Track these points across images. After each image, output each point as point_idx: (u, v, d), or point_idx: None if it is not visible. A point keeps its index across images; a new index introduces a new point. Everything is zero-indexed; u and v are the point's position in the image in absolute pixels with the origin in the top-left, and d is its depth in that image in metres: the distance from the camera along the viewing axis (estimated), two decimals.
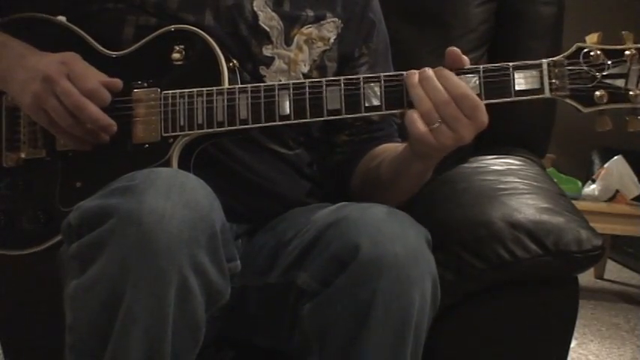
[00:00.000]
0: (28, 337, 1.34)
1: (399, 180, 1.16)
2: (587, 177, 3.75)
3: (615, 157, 3.56)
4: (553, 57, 1.04)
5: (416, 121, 1.02)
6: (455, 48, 1.06)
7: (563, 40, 1.64)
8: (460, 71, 1.04)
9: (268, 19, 1.21)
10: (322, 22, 1.25)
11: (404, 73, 1.06)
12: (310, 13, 1.24)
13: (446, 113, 1.01)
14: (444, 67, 1.05)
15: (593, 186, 3.52)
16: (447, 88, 1.02)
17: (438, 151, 1.04)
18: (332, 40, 1.26)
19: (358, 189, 1.27)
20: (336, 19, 1.27)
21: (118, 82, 1.11)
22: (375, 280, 0.95)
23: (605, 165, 3.58)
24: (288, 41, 1.22)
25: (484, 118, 1.02)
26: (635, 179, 3.50)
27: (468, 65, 1.05)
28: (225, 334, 1.14)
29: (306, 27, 1.24)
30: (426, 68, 1.04)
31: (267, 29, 1.21)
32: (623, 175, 3.49)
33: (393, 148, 1.21)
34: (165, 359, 0.90)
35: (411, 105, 1.04)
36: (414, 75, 1.04)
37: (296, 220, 1.14)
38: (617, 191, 3.46)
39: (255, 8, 1.21)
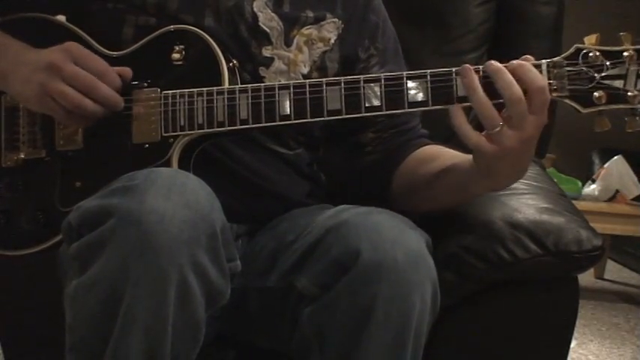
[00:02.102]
0: (28, 337, 1.34)
1: (455, 196, 1.15)
2: (587, 177, 3.74)
3: (615, 157, 3.56)
4: (553, 57, 1.05)
5: (483, 143, 1.00)
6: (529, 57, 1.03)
7: (563, 43, 1.64)
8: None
9: (268, 19, 1.21)
10: (322, 22, 1.25)
11: (403, 73, 1.06)
12: (310, 13, 1.24)
13: (514, 111, 0.99)
14: None
15: (593, 186, 3.52)
16: (525, 80, 0.99)
17: (500, 159, 1.01)
18: (332, 41, 1.26)
19: (401, 192, 1.24)
20: (337, 20, 1.26)
21: (127, 70, 1.11)
22: (376, 284, 0.95)
23: (605, 165, 3.58)
24: (288, 42, 1.22)
25: (546, 114, 1.01)
26: (635, 179, 3.49)
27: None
28: (225, 334, 1.14)
29: (306, 28, 1.24)
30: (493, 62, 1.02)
31: (267, 30, 1.21)
32: (623, 175, 3.49)
33: (447, 156, 1.18)
34: (165, 359, 0.90)
35: (459, 100, 1.03)
36: (474, 73, 1.01)
37: (296, 222, 1.14)
38: (617, 191, 3.46)
39: (255, 9, 1.21)
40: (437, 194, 1.17)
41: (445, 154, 1.21)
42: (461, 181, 1.11)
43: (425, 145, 1.27)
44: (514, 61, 1.02)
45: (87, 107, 1.07)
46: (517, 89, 0.99)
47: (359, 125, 1.27)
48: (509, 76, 1.00)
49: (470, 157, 1.09)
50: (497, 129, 0.99)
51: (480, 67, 1.03)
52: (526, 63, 1.01)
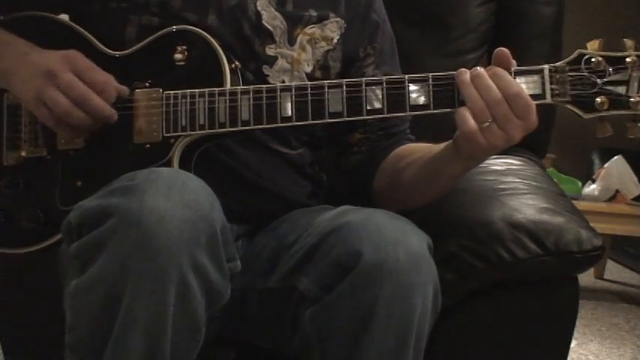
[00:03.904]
0: (28, 337, 1.34)
1: (433, 181, 1.15)
2: (587, 177, 3.75)
3: (615, 157, 3.56)
4: (553, 57, 1.05)
5: (467, 118, 1.01)
6: (504, 49, 1.05)
7: (564, 47, 1.64)
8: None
9: (272, 18, 1.21)
10: (325, 22, 1.25)
11: (405, 76, 1.06)
12: (313, 13, 1.24)
13: (498, 112, 1.00)
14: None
15: (593, 186, 3.52)
16: (500, 87, 1.01)
17: (486, 151, 1.03)
18: (335, 40, 1.26)
19: (383, 189, 1.26)
20: (340, 19, 1.27)
21: (124, 89, 1.11)
22: (377, 286, 0.95)
23: (605, 165, 3.58)
24: (291, 41, 1.22)
25: (535, 118, 1.01)
26: (635, 179, 3.50)
27: (515, 67, 1.04)
28: (225, 334, 1.14)
29: (309, 27, 1.24)
30: (478, 67, 1.03)
31: (271, 29, 1.21)
32: (623, 175, 3.49)
33: (425, 148, 1.20)
34: (165, 359, 0.90)
35: (461, 104, 1.03)
36: (465, 73, 1.03)
37: (297, 222, 1.14)
38: (617, 191, 3.46)
39: (258, 8, 1.21)
40: (416, 182, 1.17)
41: (422, 145, 1.23)
42: (438, 163, 1.12)
43: (406, 143, 1.28)
44: (490, 69, 1.03)
45: (75, 117, 1.07)
46: (495, 92, 1.00)
47: (349, 126, 1.28)
48: (489, 81, 1.01)
49: (444, 143, 1.11)
50: (487, 124, 1.01)
51: (478, 67, 1.04)
52: (500, 70, 1.02)
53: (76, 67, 1.08)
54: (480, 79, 1.01)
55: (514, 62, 1.04)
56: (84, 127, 1.09)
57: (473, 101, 1.01)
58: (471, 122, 1.01)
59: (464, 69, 1.04)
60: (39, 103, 1.08)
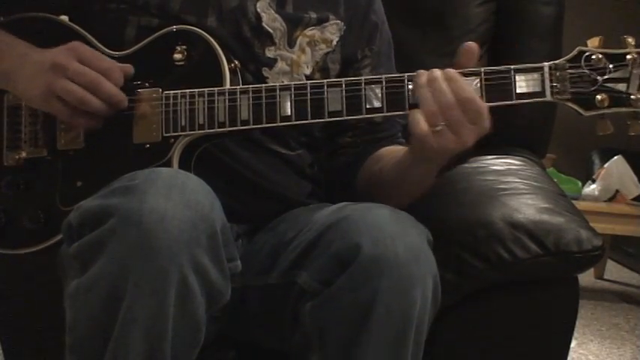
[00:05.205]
0: (28, 337, 1.34)
1: (401, 184, 1.15)
2: (587, 177, 3.75)
3: (615, 157, 3.57)
4: (553, 57, 1.04)
5: (419, 121, 1.01)
6: (472, 43, 1.05)
7: (564, 44, 1.64)
8: (462, 73, 1.03)
9: (271, 20, 1.22)
10: (325, 24, 1.25)
11: (405, 75, 1.06)
12: (313, 15, 1.25)
13: (450, 116, 1.00)
14: (456, 63, 1.04)
15: (593, 186, 3.52)
16: (454, 91, 1.00)
17: (439, 154, 1.03)
18: (335, 42, 1.26)
19: (364, 191, 1.26)
20: (339, 22, 1.27)
21: (129, 67, 1.12)
22: (377, 279, 0.95)
23: (605, 165, 3.58)
24: (290, 43, 1.23)
25: (487, 124, 1.01)
26: (635, 179, 3.50)
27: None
28: (225, 334, 1.14)
29: (309, 29, 1.24)
30: (435, 69, 1.03)
31: (271, 31, 1.21)
32: (623, 175, 3.49)
33: (395, 151, 1.20)
34: (165, 359, 0.90)
35: (413, 106, 1.03)
36: (423, 75, 1.03)
37: (296, 220, 1.14)
38: (617, 191, 3.47)
39: (258, 10, 1.21)
40: (389, 184, 1.18)
41: (397, 148, 1.23)
42: (402, 165, 1.13)
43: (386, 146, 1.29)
44: (446, 72, 1.02)
45: (91, 103, 1.07)
46: (448, 96, 1.00)
47: (342, 127, 1.28)
48: (443, 85, 1.01)
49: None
50: (439, 128, 1.00)
51: (435, 69, 1.03)
52: (454, 74, 1.02)
53: (81, 56, 1.09)
54: (434, 83, 1.01)
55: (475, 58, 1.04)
56: (99, 115, 1.09)
57: (425, 104, 1.01)
58: (423, 125, 1.00)
59: (422, 70, 1.03)
60: (51, 97, 1.08)
